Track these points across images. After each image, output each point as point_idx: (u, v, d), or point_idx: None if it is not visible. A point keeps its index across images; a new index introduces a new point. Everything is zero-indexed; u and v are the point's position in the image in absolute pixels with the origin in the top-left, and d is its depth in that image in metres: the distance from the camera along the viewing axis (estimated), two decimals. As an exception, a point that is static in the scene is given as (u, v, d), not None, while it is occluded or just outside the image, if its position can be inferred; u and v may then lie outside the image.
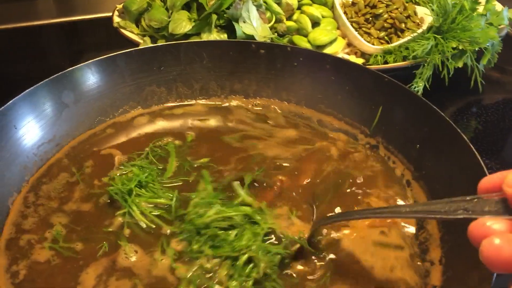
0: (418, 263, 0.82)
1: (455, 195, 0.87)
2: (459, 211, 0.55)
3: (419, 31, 1.28)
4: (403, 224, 0.88)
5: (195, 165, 0.97)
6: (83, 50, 1.63)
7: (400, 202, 0.93)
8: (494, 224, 0.48)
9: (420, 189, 0.93)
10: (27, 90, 0.94)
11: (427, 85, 1.21)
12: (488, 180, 0.54)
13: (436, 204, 0.59)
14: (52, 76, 0.98)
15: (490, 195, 0.52)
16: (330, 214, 0.88)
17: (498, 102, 1.41)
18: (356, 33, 1.34)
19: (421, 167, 0.96)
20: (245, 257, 0.74)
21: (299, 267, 0.79)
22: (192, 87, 1.14)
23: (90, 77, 1.04)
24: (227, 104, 1.15)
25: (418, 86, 1.20)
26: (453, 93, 1.34)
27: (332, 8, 1.44)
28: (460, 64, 1.24)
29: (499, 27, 1.31)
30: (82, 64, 1.02)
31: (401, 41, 1.29)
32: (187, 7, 1.31)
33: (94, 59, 1.03)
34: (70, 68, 1.01)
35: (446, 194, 0.88)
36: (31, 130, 0.95)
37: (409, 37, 1.28)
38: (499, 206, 0.50)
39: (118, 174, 0.92)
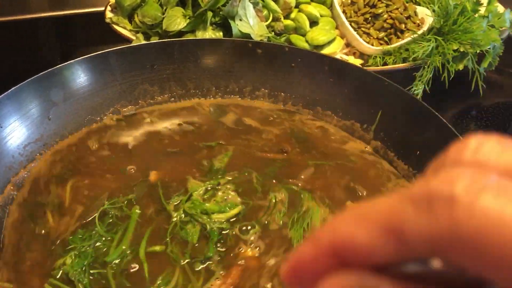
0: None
1: None
2: None
3: (420, 32, 1.25)
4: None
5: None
6: (75, 46, 1.59)
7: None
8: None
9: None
10: (13, 88, 0.90)
11: (427, 88, 1.18)
12: None
13: None
14: (40, 74, 0.94)
15: None
16: None
17: (498, 105, 1.39)
18: (355, 33, 1.31)
19: (421, 174, 0.93)
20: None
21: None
22: (186, 86, 1.11)
23: (80, 75, 1.00)
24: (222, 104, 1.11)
25: (418, 89, 1.17)
26: (453, 96, 1.31)
27: (330, 7, 1.41)
28: (460, 67, 1.21)
29: (501, 29, 1.28)
30: (71, 61, 0.98)
31: (401, 42, 1.26)
32: (181, 3, 1.27)
33: (84, 56, 1.00)
34: (59, 66, 0.97)
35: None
36: (17, 129, 0.92)
37: (409, 38, 1.25)
38: None
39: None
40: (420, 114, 0.94)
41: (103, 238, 0.80)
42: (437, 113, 0.92)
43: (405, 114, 0.97)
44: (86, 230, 0.81)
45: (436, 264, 0.22)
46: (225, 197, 0.87)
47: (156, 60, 1.07)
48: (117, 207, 0.84)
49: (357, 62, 1.29)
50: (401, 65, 1.21)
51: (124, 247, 0.78)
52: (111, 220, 0.82)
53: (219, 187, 0.89)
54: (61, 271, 0.75)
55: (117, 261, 0.77)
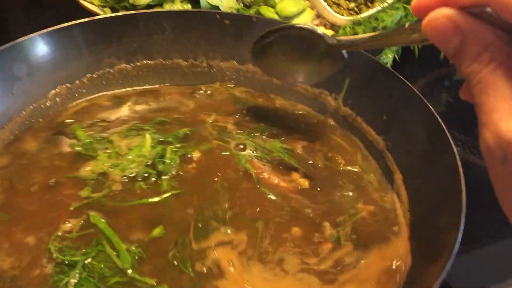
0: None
1: (423, 168, 0.87)
2: None
3: (389, 1, 1.25)
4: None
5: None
6: (44, 23, 1.55)
7: (369, 174, 0.92)
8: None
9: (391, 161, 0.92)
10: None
11: (396, 57, 1.19)
12: None
13: None
14: (1, 47, 0.92)
15: None
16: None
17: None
18: (325, 4, 1.30)
19: (388, 139, 0.94)
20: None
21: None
22: (154, 59, 1.09)
23: (43, 48, 0.98)
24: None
25: (387, 58, 1.17)
26: (423, 66, 1.32)
27: (301, -22, 1.39)
28: (430, 36, 1.21)
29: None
30: (34, 34, 0.96)
31: (371, 11, 1.26)
32: (149, -24, 1.25)
33: (47, 29, 0.97)
34: (21, 39, 0.95)
35: (415, 168, 0.88)
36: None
37: (378, 8, 1.25)
38: None
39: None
40: (387, 80, 0.94)
41: None
42: (403, 78, 0.92)
43: (372, 81, 0.97)
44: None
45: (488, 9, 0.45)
46: None
47: (122, 32, 1.05)
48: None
49: (328, 33, 1.29)
50: (371, 34, 1.20)
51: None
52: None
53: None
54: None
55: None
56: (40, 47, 0.97)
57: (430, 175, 0.84)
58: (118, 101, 1.05)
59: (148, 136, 0.92)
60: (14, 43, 0.93)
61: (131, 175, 0.86)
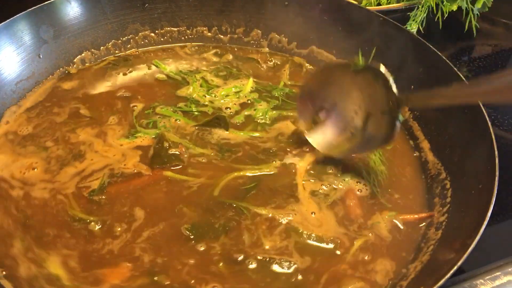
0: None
1: (451, 139, 0.87)
2: None
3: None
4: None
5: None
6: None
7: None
8: None
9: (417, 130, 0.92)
10: (3, 22, 0.88)
11: (421, 28, 1.17)
12: None
13: None
14: (28, 10, 0.91)
15: None
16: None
17: (488, 52, 1.39)
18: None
19: (415, 109, 0.94)
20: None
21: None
22: (178, 26, 1.09)
23: (69, 12, 0.97)
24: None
25: (412, 28, 1.16)
26: (447, 38, 1.31)
27: None
28: (454, 7, 1.20)
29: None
30: (61, -3, 0.96)
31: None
32: None
33: (74, -7, 0.97)
34: (48, 1, 0.94)
35: (441, 137, 0.88)
36: (8, 64, 0.90)
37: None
38: None
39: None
40: (415, 48, 0.94)
41: None
42: (432, 47, 0.91)
43: (400, 50, 0.96)
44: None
45: None
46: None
47: (147, -2, 1.05)
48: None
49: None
50: (395, 5, 1.20)
51: None
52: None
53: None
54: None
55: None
56: (66, 10, 0.97)
57: (461, 145, 0.84)
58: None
59: (251, 79, 0.98)
60: (42, 5, 0.93)
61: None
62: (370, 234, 0.76)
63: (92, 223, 0.73)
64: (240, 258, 0.71)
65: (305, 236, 0.74)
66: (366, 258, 0.73)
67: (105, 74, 1.00)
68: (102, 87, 0.97)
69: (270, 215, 0.76)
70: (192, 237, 0.73)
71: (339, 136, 0.85)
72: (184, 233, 0.73)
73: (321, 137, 0.86)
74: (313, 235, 0.74)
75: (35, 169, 0.80)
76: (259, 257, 0.71)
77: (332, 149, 0.85)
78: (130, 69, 1.02)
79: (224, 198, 0.78)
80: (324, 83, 0.86)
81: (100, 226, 0.73)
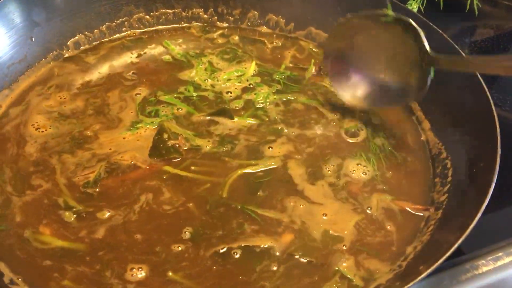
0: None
1: (453, 118, 0.85)
2: None
3: None
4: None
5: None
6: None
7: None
8: None
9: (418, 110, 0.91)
10: (-6, 4, 0.87)
11: (421, 8, 1.15)
12: None
13: None
14: (20, -9, 0.90)
15: None
16: None
17: (490, 34, 1.37)
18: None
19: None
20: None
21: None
22: (173, 8, 1.07)
23: (61, -6, 0.96)
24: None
25: (413, 8, 1.14)
26: (448, 19, 1.29)
27: None
28: (455, -14, 1.18)
29: None
30: (53, -22, 0.94)
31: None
32: None
33: (65, -27, 0.95)
34: (39, -17, 0.92)
35: (442, 117, 0.86)
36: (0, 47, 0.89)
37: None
38: None
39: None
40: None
41: None
42: (435, 26, 0.90)
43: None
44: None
45: None
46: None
47: (141, -22, 1.03)
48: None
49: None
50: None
51: None
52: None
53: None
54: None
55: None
56: (58, -9, 0.95)
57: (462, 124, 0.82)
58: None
59: (254, 62, 0.97)
60: (32, -13, 0.91)
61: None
62: (371, 212, 0.75)
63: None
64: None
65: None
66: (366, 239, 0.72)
67: (109, 56, 0.99)
68: (103, 70, 0.96)
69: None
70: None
71: (368, 88, 0.86)
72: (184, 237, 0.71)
73: (350, 90, 0.87)
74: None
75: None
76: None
77: (361, 101, 0.86)
78: (134, 51, 1.01)
79: (226, 199, 0.76)
80: (350, 35, 0.85)
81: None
